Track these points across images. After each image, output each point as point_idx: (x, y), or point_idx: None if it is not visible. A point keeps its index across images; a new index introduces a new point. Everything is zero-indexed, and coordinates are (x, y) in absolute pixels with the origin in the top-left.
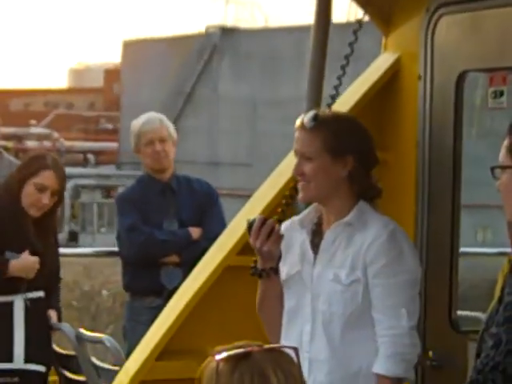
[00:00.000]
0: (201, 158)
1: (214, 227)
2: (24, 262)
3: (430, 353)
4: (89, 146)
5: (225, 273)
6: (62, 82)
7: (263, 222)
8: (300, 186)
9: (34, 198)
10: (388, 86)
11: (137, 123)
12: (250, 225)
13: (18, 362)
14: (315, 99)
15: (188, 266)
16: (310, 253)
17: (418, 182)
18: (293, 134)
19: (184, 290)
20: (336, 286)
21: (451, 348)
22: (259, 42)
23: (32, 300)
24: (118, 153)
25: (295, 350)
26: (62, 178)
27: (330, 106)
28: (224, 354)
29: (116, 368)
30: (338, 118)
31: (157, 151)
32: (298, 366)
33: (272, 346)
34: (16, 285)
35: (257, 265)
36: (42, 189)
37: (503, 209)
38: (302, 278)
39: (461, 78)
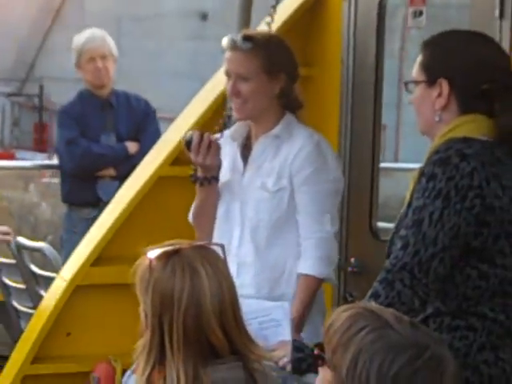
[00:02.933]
0: (69, 74)
1: (150, 142)
2: None
3: (352, 260)
4: None
5: (158, 183)
6: None
7: (201, 137)
8: (235, 105)
9: None
10: (315, 7)
11: (79, 40)
12: (188, 142)
13: None
14: (246, 18)
15: (124, 180)
16: (240, 163)
17: (341, 96)
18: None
19: (118, 200)
20: (263, 193)
21: (371, 255)
22: None
23: None
24: None
25: (222, 246)
26: None
27: (269, 24)
28: (156, 252)
29: (54, 275)
30: (270, 38)
31: (98, 68)
32: (224, 261)
33: (200, 243)
34: None
35: (196, 173)
36: None
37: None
38: (232, 187)
39: None
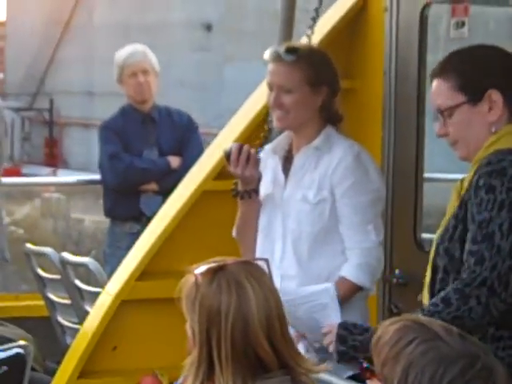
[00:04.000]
0: (77, 87)
1: (192, 157)
2: None
3: (397, 271)
4: None
5: (202, 197)
6: None
7: (240, 149)
8: (277, 115)
9: None
10: (356, 18)
11: (120, 55)
12: (228, 154)
13: None
14: (288, 32)
15: (167, 194)
16: (281, 176)
17: (384, 108)
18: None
19: (162, 215)
20: (304, 205)
21: (416, 266)
22: None
23: None
24: (3, 83)
25: (266, 261)
26: None
27: (309, 36)
28: (202, 268)
29: (99, 290)
30: (313, 50)
31: (139, 83)
32: (270, 276)
33: (244, 259)
34: None
35: (237, 187)
36: None
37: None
38: (274, 200)
39: (425, 9)
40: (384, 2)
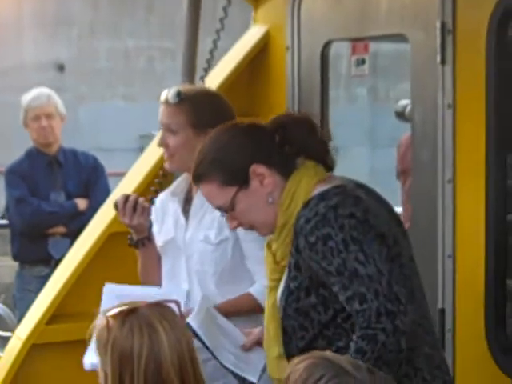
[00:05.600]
0: None
1: (99, 198)
2: None
3: None
4: None
5: (109, 239)
6: None
7: (126, 199)
8: (165, 157)
9: None
10: (258, 58)
11: (25, 98)
12: (116, 204)
13: None
14: (189, 72)
15: (75, 236)
16: (182, 219)
17: None
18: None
19: (71, 257)
20: (206, 246)
21: None
22: None
23: None
24: None
25: (176, 303)
26: None
27: (202, 78)
28: (113, 311)
29: (9, 334)
30: (200, 93)
31: (43, 127)
32: (181, 317)
33: (155, 301)
34: None
35: (132, 236)
36: None
37: None
38: (176, 243)
39: (326, 48)
40: (285, 41)
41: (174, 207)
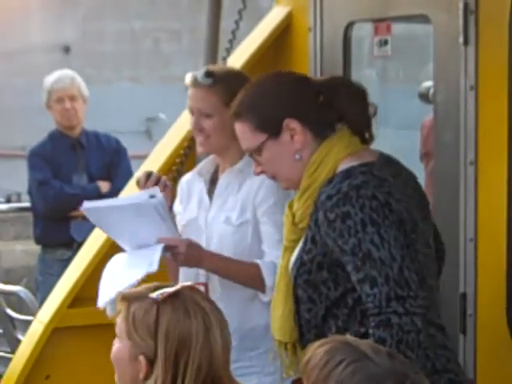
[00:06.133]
0: None
1: (122, 181)
2: None
3: None
4: None
5: None
6: None
7: (148, 176)
8: (199, 140)
9: None
10: (280, 39)
11: (48, 80)
12: (139, 181)
13: None
14: (212, 54)
15: None
16: (206, 199)
17: None
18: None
19: (93, 241)
20: (227, 227)
21: None
22: None
23: None
24: None
25: (205, 285)
26: None
27: (225, 59)
28: (159, 293)
29: (31, 318)
30: (230, 73)
31: (66, 109)
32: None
33: (187, 284)
34: None
35: None
36: None
37: None
38: (198, 223)
39: (348, 29)
40: (308, 22)
41: (200, 187)
